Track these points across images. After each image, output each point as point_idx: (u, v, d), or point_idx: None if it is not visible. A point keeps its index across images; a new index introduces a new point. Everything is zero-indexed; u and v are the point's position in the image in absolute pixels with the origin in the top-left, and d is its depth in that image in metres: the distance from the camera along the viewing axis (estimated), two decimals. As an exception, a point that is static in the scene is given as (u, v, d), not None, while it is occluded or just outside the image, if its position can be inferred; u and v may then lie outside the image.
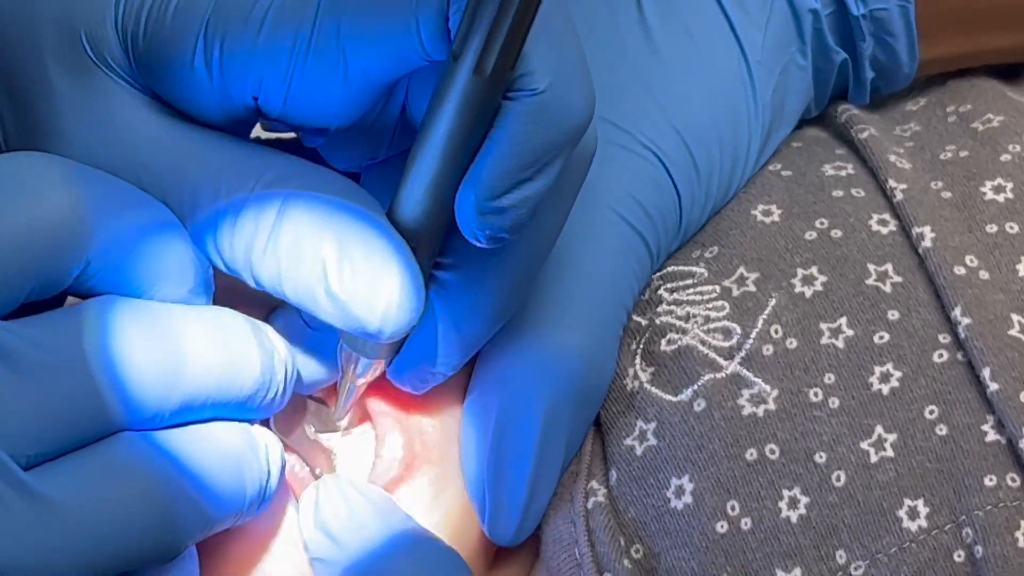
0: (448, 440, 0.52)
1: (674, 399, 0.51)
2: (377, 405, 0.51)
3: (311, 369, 0.49)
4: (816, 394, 0.49)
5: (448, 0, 0.41)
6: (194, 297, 0.45)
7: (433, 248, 0.45)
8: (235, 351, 0.44)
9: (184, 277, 0.44)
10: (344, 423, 0.51)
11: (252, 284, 0.45)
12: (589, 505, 0.51)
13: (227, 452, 0.44)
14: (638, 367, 0.52)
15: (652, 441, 0.51)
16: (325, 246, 0.43)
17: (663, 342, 0.52)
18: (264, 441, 0.45)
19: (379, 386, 0.50)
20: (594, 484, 0.51)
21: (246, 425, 0.45)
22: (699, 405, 0.50)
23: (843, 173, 0.55)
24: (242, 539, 0.48)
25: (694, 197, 0.54)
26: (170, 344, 0.42)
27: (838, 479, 0.48)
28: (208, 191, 0.44)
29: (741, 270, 0.53)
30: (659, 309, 0.53)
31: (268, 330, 0.46)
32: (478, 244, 0.44)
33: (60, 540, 0.39)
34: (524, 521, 0.51)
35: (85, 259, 0.42)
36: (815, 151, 0.57)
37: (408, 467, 0.50)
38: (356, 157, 0.49)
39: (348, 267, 0.43)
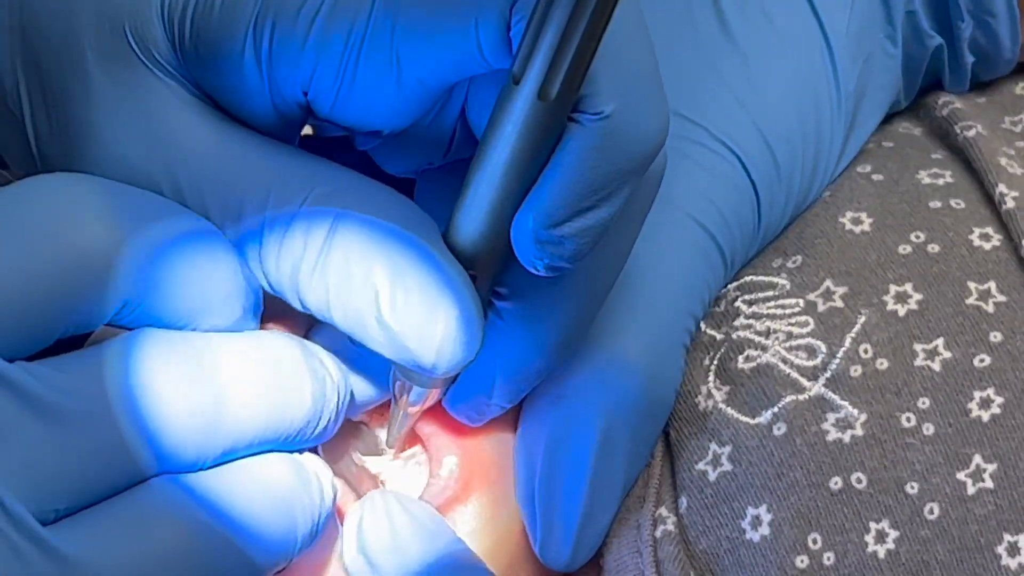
0: (506, 460, 0.49)
1: (752, 421, 0.47)
2: (429, 427, 0.48)
3: (359, 388, 0.46)
4: (909, 419, 0.45)
5: (511, 7, 0.38)
6: (243, 323, 0.43)
7: (492, 276, 0.43)
8: (284, 384, 0.41)
9: (233, 306, 0.42)
10: (394, 447, 0.48)
11: (297, 306, 0.43)
12: (657, 534, 0.47)
13: (276, 491, 0.41)
14: (712, 385, 0.48)
15: (727, 466, 0.47)
16: (378, 272, 0.41)
17: (740, 359, 0.48)
18: (315, 471, 0.43)
19: (431, 408, 0.47)
20: (663, 511, 0.47)
21: (295, 456, 0.42)
22: (779, 429, 0.46)
23: (941, 182, 0.51)
24: (288, 572, 0.45)
25: (773, 198, 0.50)
26: (210, 384, 0.40)
27: (931, 512, 0.44)
28: (255, 201, 0.42)
29: (828, 283, 0.49)
30: (736, 323, 0.49)
31: (320, 352, 0.43)
32: (536, 273, 0.41)
33: None
34: (579, 545, 0.47)
35: (124, 297, 0.40)
36: (909, 154, 0.54)
37: (465, 486, 0.48)
38: (411, 163, 0.46)
39: (402, 296, 0.41)
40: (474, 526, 0.47)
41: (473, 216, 0.41)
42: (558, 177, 0.39)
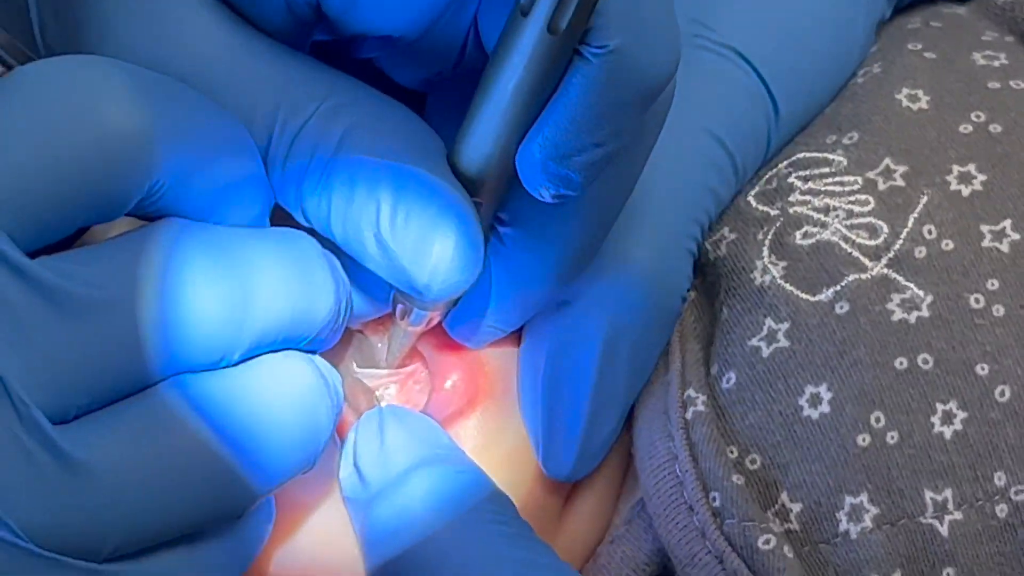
0: (511, 375, 0.48)
1: (812, 299, 0.46)
2: (431, 344, 0.47)
3: (356, 302, 0.44)
4: (977, 300, 0.45)
5: None
6: (260, 223, 0.41)
7: (496, 203, 0.42)
8: (310, 281, 0.40)
9: (254, 201, 0.41)
10: (394, 365, 0.47)
11: (299, 217, 0.42)
12: (688, 416, 0.46)
13: (300, 389, 0.40)
14: (767, 260, 0.47)
15: (783, 343, 0.46)
16: (381, 188, 0.40)
17: (798, 235, 0.47)
18: (329, 371, 0.41)
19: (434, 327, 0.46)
20: (691, 392, 0.47)
21: (312, 356, 0.41)
22: (841, 308, 0.46)
23: (996, 64, 0.50)
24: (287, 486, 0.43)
25: (791, 104, 0.49)
26: (240, 275, 0.38)
27: (1002, 394, 0.44)
28: (265, 107, 0.40)
29: (887, 161, 0.48)
30: (791, 198, 0.48)
31: (329, 254, 0.42)
32: (542, 200, 0.40)
33: (97, 503, 0.35)
34: (582, 455, 0.47)
35: (151, 181, 0.37)
36: (960, 35, 0.52)
37: (470, 402, 0.47)
38: (421, 72, 0.45)
39: (402, 215, 0.40)
40: (479, 441, 0.47)
41: (478, 143, 0.41)
42: (564, 110, 0.39)
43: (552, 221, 0.43)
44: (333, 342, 0.42)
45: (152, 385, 0.37)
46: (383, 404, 0.47)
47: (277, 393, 0.39)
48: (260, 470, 0.38)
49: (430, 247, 0.40)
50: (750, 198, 0.49)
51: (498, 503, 0.43)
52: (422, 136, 0.42)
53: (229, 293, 0.38)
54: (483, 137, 0.40)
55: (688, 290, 0.49)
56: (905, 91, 0.50)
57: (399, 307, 0.44)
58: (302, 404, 0.39)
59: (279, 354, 0.40)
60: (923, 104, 0.49)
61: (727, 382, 0.47)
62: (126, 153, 0.36)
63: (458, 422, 0.47)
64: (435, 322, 0.45)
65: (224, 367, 0.38)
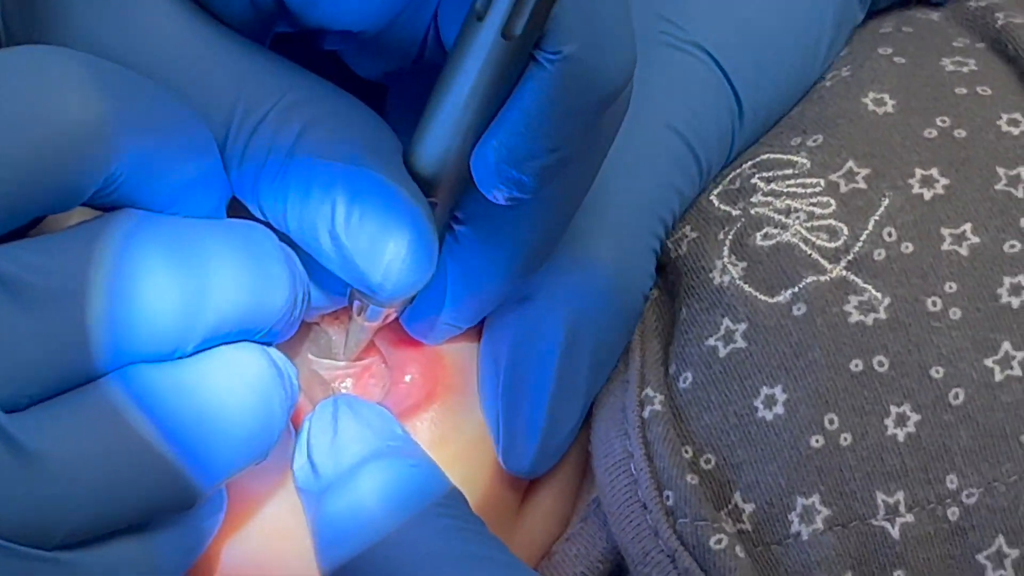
0: (470, 369, 0.48)
1: (770, 300, 0.46)
2: (390, 335, 0.47)
3: (313, 295, 0.44)
4: (935, 304, 0.45)
5: None
6: (217, 213, 0.41)
7: (451, 202, 0.42)
8: (266, 273, 0.40)
9: (210, 193, 0.40)
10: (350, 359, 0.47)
11: (255, 211, 0.42)
12: (645, 415, 0.46)
13: (253, 380, 0.39)
14: (727, 260, 0.47)
15: (740, 343, 0.46)
16: (337, 188, 0.40)
17: (758, 236, 0.47)
18: (284, 363, 0.41)
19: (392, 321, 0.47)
20: (649, 391, 0.46)
21: (266, 348, 0.41)
22: (799, 309, 0.45)
23: (965, 69, 0.50)
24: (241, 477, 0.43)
25: (756, 103, 0.49)
26: (195, 267, 0.38)
27: (956, 397, 0.43)
28: (223, 102, 0.40)
29: (850, 164, 0.48)
30: (753, 199, 0.48)
31: (286, 247, 0.42)
32: (495, 202, 0.41)
33: (46, 492, 0.35)
34: (541, 452, 0.47)
35: (108, 172, 0.37)
36: (930, 41, 0.52)
37: (428, 395, 0.47)
38: (380, 66, 0.45)
39: (357, 213, 0.40)
40: (436, 435, 0.46)
41: (433, 145, 0.41)
42: (518, 115, 0.39)
43: (507, 221, 0.43)
44: (289, 334, 0.42)
45: (104, 375, 0.37)
46: (343, 390, 0.47)
47: (229, 384, 0.39)
48: (210, 462, 0.38)
49: (384, 247, 0.40)
50: (712, 197, 0.49)
51: (452, 498, 0.43)
52: (379, 135, 0.42)
53: (183, 284, 0.38)
54: (438, 139, 0.40)
55: (651, 288, 0.49)
56: (872, 95, 0.50)
57: (355, 303, 0.44)
58: (255, 395, 0.39)
59: (233, 345, 0.40)
60: (889, 108, 0.49)
61: (684, 382, 0.47)
62: (83, 143, 0.36)
63: (415, 415, 0.46)
64: (391, 318, 0.45)
65: (177, 358, 0.38)
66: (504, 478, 0.48)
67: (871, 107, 0.49)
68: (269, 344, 0.41)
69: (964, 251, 0.45)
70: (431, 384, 0.47)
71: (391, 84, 0.47)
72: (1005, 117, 0.48)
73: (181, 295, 0.38)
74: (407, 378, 0.47)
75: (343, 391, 0.47)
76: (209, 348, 0.39)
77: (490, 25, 0.38)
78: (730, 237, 0.48)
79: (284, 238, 0.42)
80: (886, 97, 0.50)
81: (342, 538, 0.42)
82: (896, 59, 0.51)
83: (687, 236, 0.48)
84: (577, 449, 0.49)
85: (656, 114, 0.47)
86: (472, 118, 0.39)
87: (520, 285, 0.45)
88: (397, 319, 0.46)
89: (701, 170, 0.48)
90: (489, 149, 0.39)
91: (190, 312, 0.38)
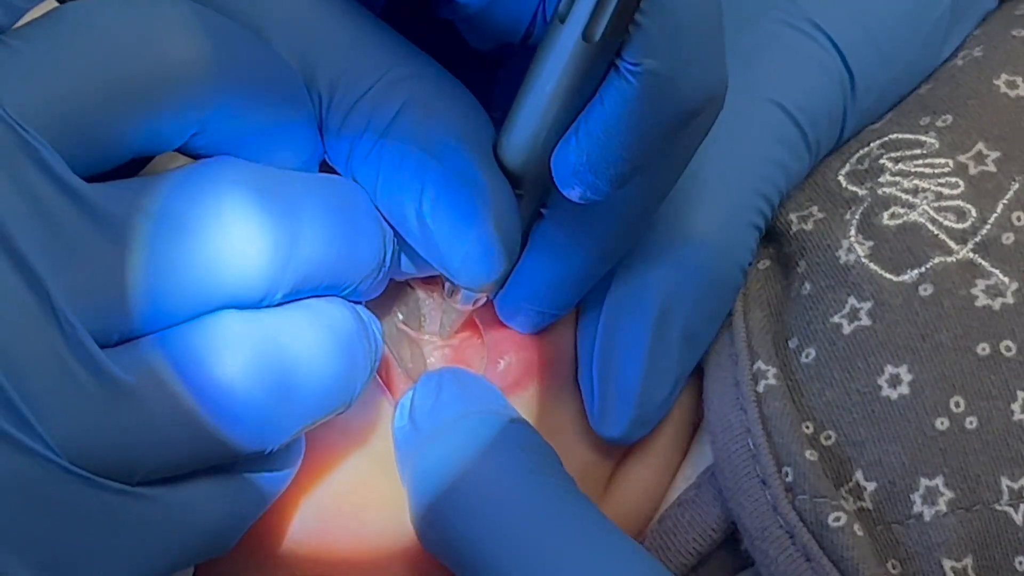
0: (568, 360, 0.49)
1: (896, 279, 0.46)
2: (489, 315, 0.48)
3: (403, 260, 0.45)
4: None
5: None
6: (309, 168, 0.42)
7: (537, 195, 0.43)
8: (357, 227, 0.41)
9: (303, 145, 0.41)
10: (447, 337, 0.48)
11: (348, 179, 0.42)
12: (760, 389, 0.46)
13: (340, 332, 0.40)
14: (854, 239, 0.47)
15: (865, 321, 0.46)
16: (428, 170, 0.40)
17: (885, 215, 0.47)
18: (369, 319, 0.42)
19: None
20: (761, 365, 0.47)
21: (353, 304, 0.41)
22: (925, 290, 0.45)
23: None
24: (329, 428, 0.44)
25: (871, 83, 0.49)
26: (289, 215, 0.38)
27: None
28: (331, 69, 0.41)
29: (980, 146, 0.48)
30: (881, 179, 0.48)
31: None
32: (570, 199, 0.41)
33: (135, 427, 0.35)
34: (637, 417, 0.47)
35: (204, 115, 0.38)
36: None
37: (525, 375, 0.47)
38: (491, 38, 0.44)
39: (444, 198, 0.41)
40: (527, 414, 0.47)
41: (519, 140, 0.41)
42: (597, 121, 0.39)
43: (590, 214, 0.43)
44: (376, 293, 0.43)
45: (195, 317, 0.37)
46: (437, 366, 0.48)
47: (315, 334, 0.39)
48: (292, 408, 0.38)
49: (466, 234, 0.41)
50: (840, 177, 0.49)
51: (547, 456, 0.43)
52: (475, 121, 0.42)
53: (275, 232, 0.38)
54: (523, 134, 0.41)
55: (750, 262, 0.49)
56: (1004, 77, 0.50)
57: (447, 285, 0.44)
58: (339, 346, 0.40)
59: (323, 298, 0.40)
60: (1021, 91, 0.49)
61: (806, 357, 0.47)
62: (184, 83, 0.37)
63: (510, 396, 0.47)
64: (483, 302, 0.45)
65: (265, 307, 0.39)
66: (596, 458, 0.49)
67: (1003, 89, 0.49)
68: (357, 303, 0.42)
69: None
70: (526, 367, 0.47)
71: (503, 61, 0.47)
72: None
73: (273, 243, 0.38)
74: (502, 364, 0.47)
75: (434, 352, 0.48)
76: (296, 300, 0.40)
77: (572, 27, 0.38)
78: (857, 217, 0.48)
79: None
80: (1019, 80, 0.49)
81: (434, 483, 0.42)
82: None
83: (813, 215, 0.48)
84: (673, 426, 0.49)
85: (762, 90, 0.47)
86: (554, 116, 0.40)
87: (604, 274, 0.46)
88: (491, 302, 0.47)
89: (809, 146, 0.48)
90: (569, 149, 0.40)
91: (280, 260, 0.38)
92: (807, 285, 0.48)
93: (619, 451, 0.50)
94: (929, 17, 0.50)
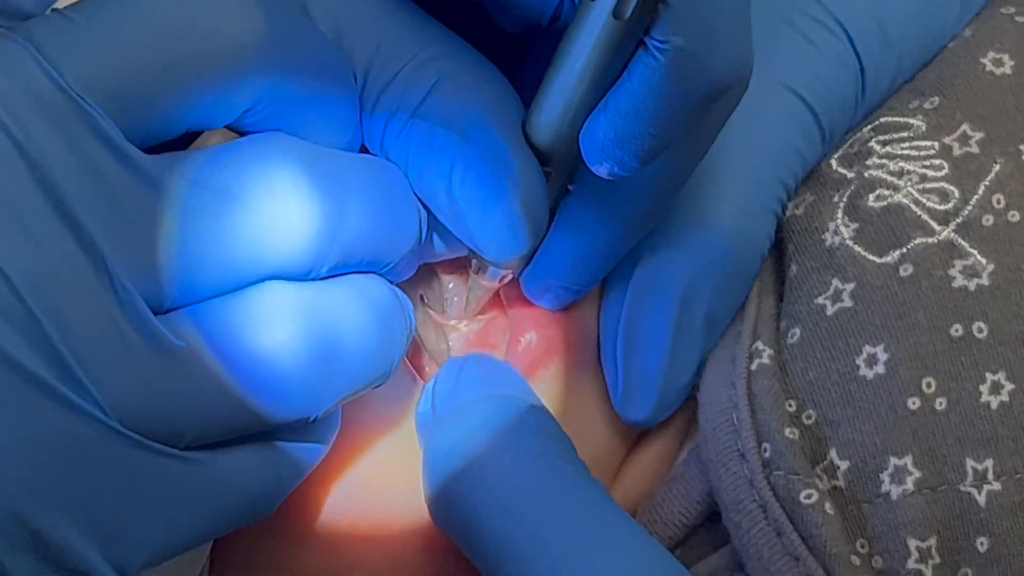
0: (591, 329, 0.50)
1: (878, 260, 0.47)
2: (513, 293, 0.49)
3: (434, 241, 0.46)
4: None
5: None
6: (351, 148, 0.43)
7: (565, 172, 0.44)
8: (398, 205, 0.42)
9: (347, 125, 0.42)
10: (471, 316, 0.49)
11: (381, 158, 0.43)
12: (753, 367, 0.48)
13: (380, 307, 0.42)
14: (840, 222, 0.48)
15: (847, 303, 0.47)
16: (458, 147, 0.42)
17: (871, 197, 0.48)
18: (404, 297, 0.43)
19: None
20: (759, 345, 0.48)
21: (388, 282, 0.43)
22: (905, 270, 0.46)
23: None
24: (363, 403, 0.45)
25: (879, 76, 0.50)
26: (337, 191, 0.40)
27: None
28: (366, 50, 0.42)
29: (965, 127, 0.48)
30: (869, 162, 0.49)
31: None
32: (598, 175, 0.42)
33: (185, 391, 0.37)
34: (661, 400, 0.48)
35: (257, 93, 0.39)
36: None
37: (547, 353, 0.48)
38: (519, 20, 0.45)
39: (473, 175, 0.42)
40: (549, 393, 0.48)
41: (548, 117, 0.42)
42: (625, 98, 0.40)
43: (616, 190, 0.44)
44: (409, 274, 0.45)
45: (243, 287, 0.39)
46: (461, 347, 0.49)
47: (358, 306, 0.41)
48: (334, 378, 0.40)
49: (494, 210, 0.42)
50: (832, 161, 0.50)
51: (560, 441, 0.44)
52: (505, 100, 0.43)
53: (324, 206, 0.39)
54: (552, 112, 0.42)
55: (769, 249, 0.50)
56: (991, 55, 0.50)
57: (473, 262, 0.46)
58: (379, 320, 0.41)
59: (363, 274, 0.42)
60: (1007, 69, 0.49)
61: (792, 337, 0.48)
62: (237, 60, 0.38)
63: (532, 375, 0.48)
64: (508, 279, 0.47)
65: (311, 279, 0.40)
66: (613, 440, 0.50)
67: (989, 67, 0.49)
68: (391, 281, 0.43)
69: None
70: (549, 345, 0.49)
71: (531, 41, 0.48)
72: None
73: (323, 216, 0.39)
74: (524, 342, 0.48)
75: (464, 342, 0.49)
76: (339, 275, 0.41)
77: (602, 5, 0.39)
78: (844, 200, 0.49)
79: None
80: (1005, 57, 0.50)
81: (448, 462, 0.44)
82: (1018, 18, 0.51)
83: (805, 200, 0.49)
84: (680, 412, 0.50)
85: (780, 77, 0.48)
86: (583, 94, 0.41)
87: (629, 251, 0.47)
88: (516, 280, 0.48)
89: (824, 134, 0.49)
90: (597, 126, 0.41)
91: (329, 234, 0.40)
92: (793, 267, 0.49)
93: (634, 435, 0.51)
94: (939, 15, 0.51)
